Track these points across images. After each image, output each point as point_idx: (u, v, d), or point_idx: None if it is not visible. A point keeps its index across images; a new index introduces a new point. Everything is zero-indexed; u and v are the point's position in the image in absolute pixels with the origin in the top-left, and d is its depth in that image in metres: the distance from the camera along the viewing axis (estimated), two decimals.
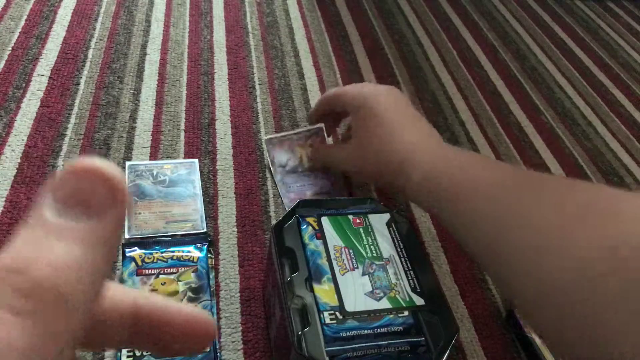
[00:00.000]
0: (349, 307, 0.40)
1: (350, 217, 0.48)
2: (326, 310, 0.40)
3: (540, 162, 0.86)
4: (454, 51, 1.09)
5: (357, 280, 0.43)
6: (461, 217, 0.40)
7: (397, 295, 0.42)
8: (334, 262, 0.44)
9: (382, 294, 0.42)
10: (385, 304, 0.41)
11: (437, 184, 0.43)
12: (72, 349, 0.11)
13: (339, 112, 0.60)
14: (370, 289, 0.42)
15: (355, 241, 0.46)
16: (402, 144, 0.45)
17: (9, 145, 0.65)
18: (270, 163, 0.71)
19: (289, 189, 0.68)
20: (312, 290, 0.42)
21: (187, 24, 0.94)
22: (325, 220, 0.47)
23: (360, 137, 0.48)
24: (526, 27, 1.25)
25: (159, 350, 0.17)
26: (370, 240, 0.46)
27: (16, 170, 0.62)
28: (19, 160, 0.63)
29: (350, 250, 0.45)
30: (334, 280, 0.42)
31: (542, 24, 1.29)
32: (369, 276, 0.43)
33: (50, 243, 0.10)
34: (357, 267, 0.44)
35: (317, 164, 0.65)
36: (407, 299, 0.42)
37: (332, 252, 0.44)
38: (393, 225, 0.48)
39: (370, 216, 0.49)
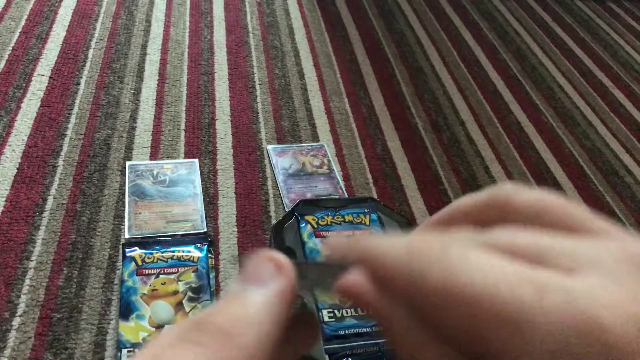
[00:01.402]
0: None
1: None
2: (325, 309, 0.41)
3: (540, 162, 0.86)
4: (454, 51, 1.09)
5: None
6: None
7: None
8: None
9: None
10: None
11: None
12: None
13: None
14: None
15: None
16: None
17: (9, 145, 0.65)
18: (273, 166, 0.71)
19: (290, 190, 0.69)
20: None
21: (188, 24, 0.94)
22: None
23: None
24: (526, 27, 1.25)
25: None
26: None
27: (16, 170, 0.62)
28: (19, 160, 0.63)
29: None
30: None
31: (542, 24, 1.29)
32: None
33: (228, 304, 0.15)
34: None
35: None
36: None
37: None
38: None
39: None
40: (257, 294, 0.15)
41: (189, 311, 0.51)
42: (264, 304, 0.15)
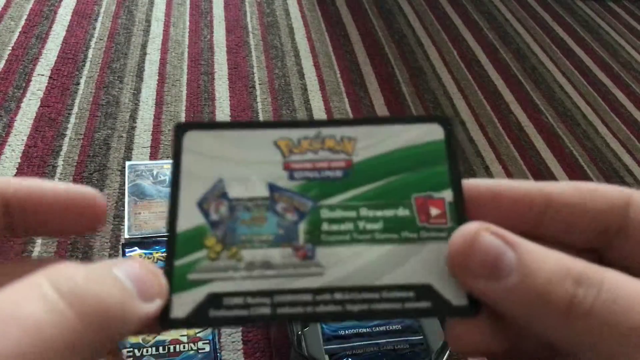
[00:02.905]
0: None
1: None
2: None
3: (540, 162, 0.86)
4: (454, 51, 1.09)
5: None
6: None
7: None
8: None
9: None
10: None
11: None
12: None
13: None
14: None
15: None
16: None
17: (9, 145, 0.65)
18: None
19: None
20: None
21: (187, 23, 0.94)
22: None
23: None
24: (526, 27, 1.25)
25: (46, 232, 0.16)
26: None
27: (16, 170, 0.62)
28: (19, 160, 0.63)
29: None
30: None
31: (542, 24, 1.29)
32: None
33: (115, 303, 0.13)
34: None
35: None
36: None
37: None
38: None
39: None
40: (140, 308, 0.13)
41: None
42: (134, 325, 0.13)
